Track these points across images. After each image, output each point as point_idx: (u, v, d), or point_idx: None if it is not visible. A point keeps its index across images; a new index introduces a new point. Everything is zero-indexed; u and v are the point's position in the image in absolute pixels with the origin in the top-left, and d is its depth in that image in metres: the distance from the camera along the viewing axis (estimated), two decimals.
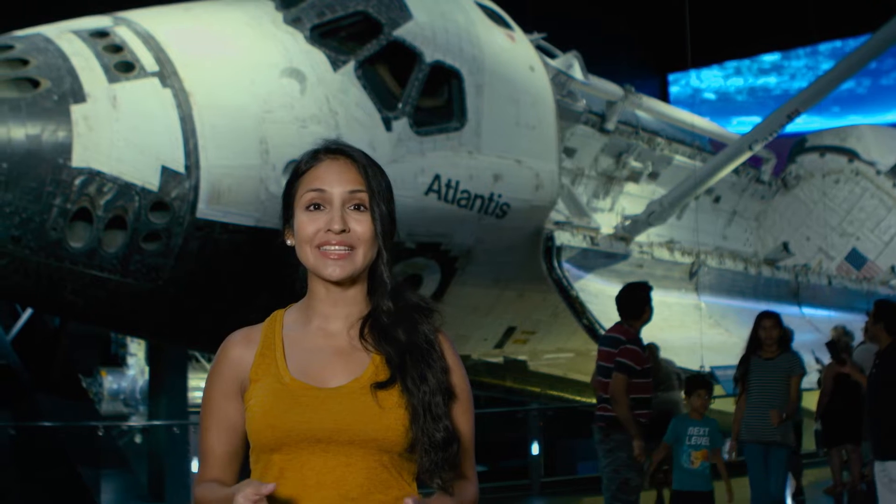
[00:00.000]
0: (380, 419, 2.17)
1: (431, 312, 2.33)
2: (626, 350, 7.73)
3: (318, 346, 2.29)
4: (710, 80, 30.49)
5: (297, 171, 2.33)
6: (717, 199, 16.72)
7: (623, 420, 7.59)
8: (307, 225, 2.26)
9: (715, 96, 30.27)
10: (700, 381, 8.29)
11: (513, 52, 11.07)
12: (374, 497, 2.18)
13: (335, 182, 2.27)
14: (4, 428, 11.75)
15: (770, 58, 29.67)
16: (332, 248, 2.24)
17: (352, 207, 2.27)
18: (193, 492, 2.30)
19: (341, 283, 2.28)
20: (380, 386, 2.20)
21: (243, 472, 2.31)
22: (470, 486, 2.34)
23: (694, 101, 28.63)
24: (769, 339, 8.58)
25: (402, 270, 10.24)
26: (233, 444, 2.31)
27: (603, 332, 10.82)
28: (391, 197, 2.33)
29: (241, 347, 2.32)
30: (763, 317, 8.73)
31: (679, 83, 30.55)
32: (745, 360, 8.74)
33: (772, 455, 8.45)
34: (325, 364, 2.26)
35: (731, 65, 30.14)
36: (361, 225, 2.26)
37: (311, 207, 2.27)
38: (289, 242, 2.33)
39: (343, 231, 2.24)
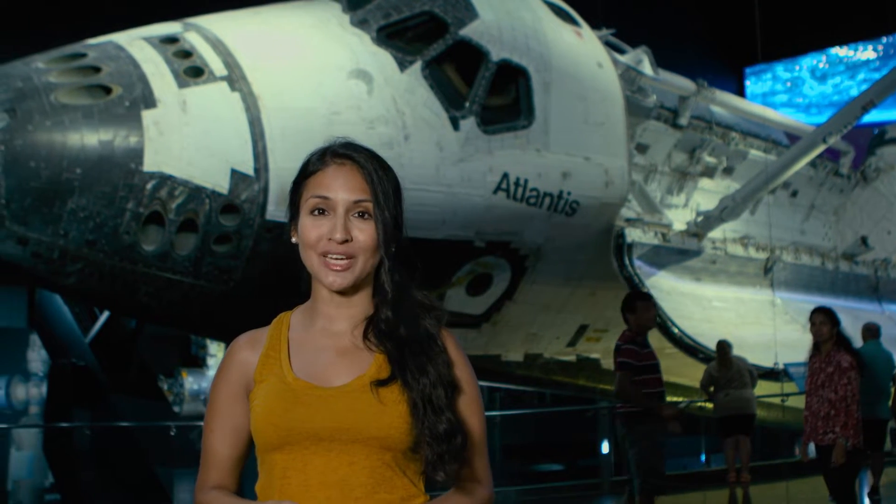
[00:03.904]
0: (381, 417, 2.14)
1: (434, 309, 2.29)
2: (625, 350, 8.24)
3: (322, 345, 2.27)
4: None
5: (305, 170, 2.30)
6: (794, 194, 16.37)
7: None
8: (310, 230, 2.23)
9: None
10: None
11: (580, 48, 10.98)
12: (378, 496, 2.15)
13: (339, 189, 2.23)
14: (81, 428, 11.98)
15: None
16: (334, 257, 2.21)
17: (356, 215, 2.23)
18: (196, 497, 2.27)
19: (343, 291, 2.26)
20: (381, 383, 2.16)
21: (252, 476, 2.30)
22: (482, 489, 2.29)
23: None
24: None
25: (471, 269, 10.23)
26: (237, 447, 2.29)
27: (676, 331, 10.72)
28: (398, 201, 2.28)
29: (247, 350, 2.31)
30: None
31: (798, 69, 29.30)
32: None
33: None
34: (329, 363, 2.23)
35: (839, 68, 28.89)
36: (364, 233, 2.22)
37: (315, 212, 2.24)
38: (293, 240, 2.30)
39: (345, 241, 2.21)
